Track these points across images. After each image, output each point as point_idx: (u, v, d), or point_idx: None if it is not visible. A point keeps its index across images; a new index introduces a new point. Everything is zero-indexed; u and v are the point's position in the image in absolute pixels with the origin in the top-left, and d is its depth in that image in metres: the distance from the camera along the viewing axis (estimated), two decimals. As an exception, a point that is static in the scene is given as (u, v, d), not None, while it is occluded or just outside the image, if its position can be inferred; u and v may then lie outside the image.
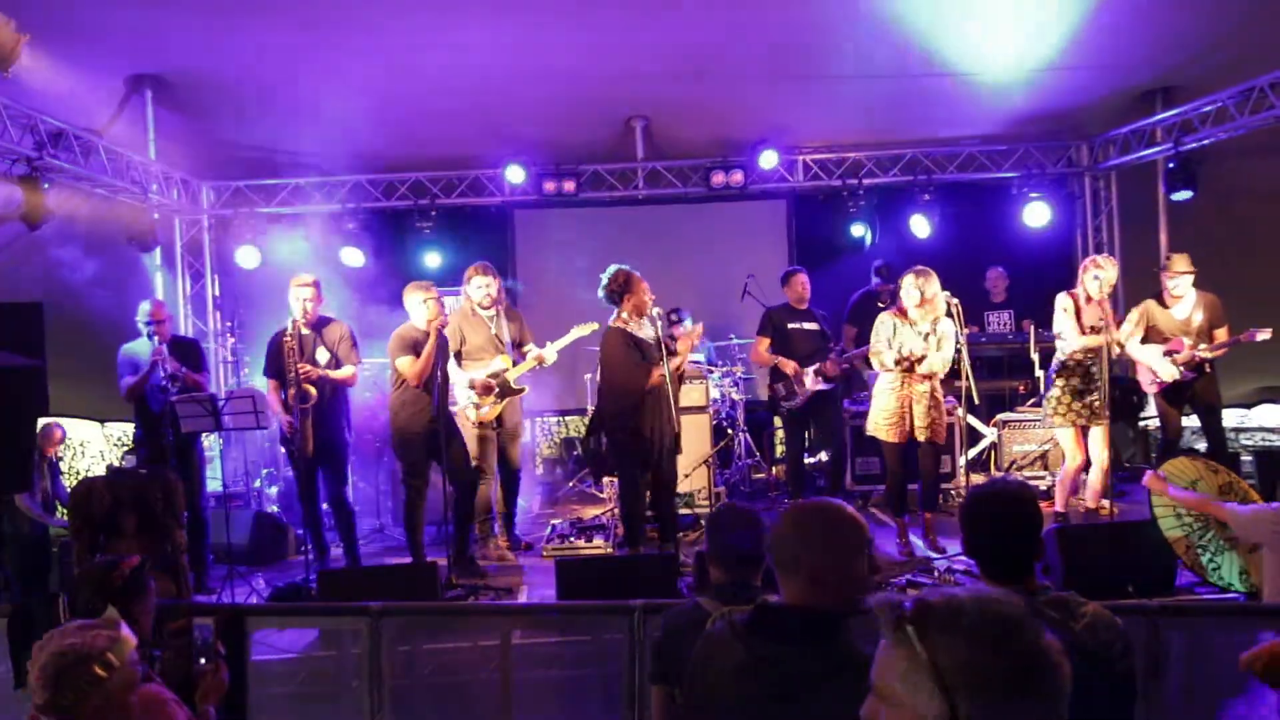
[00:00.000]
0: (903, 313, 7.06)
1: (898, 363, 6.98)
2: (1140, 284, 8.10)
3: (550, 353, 7.92)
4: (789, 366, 8.26)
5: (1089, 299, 7.10)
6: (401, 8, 7.34)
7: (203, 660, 3.35)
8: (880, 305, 8.77)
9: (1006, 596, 1.54)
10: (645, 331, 6.94)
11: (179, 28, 7.39)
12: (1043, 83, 9.04)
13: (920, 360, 6.94)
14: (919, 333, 6.99)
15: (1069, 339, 7.17)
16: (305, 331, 7.08)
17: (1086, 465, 7.33)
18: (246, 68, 8.13)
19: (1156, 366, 7.44)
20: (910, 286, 7.01)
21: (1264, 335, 7.19)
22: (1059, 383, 7.25)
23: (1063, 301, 7.24)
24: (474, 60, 8.26)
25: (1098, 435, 7.15)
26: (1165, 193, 9.66)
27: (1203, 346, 7.37)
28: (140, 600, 3.37)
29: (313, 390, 6.98)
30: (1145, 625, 4.17)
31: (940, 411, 7.12)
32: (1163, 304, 7.56)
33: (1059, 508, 7.39)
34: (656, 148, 10.45)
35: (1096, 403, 7.11)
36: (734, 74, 8.87)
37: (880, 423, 7.15)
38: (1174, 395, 7.60)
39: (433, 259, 10.67)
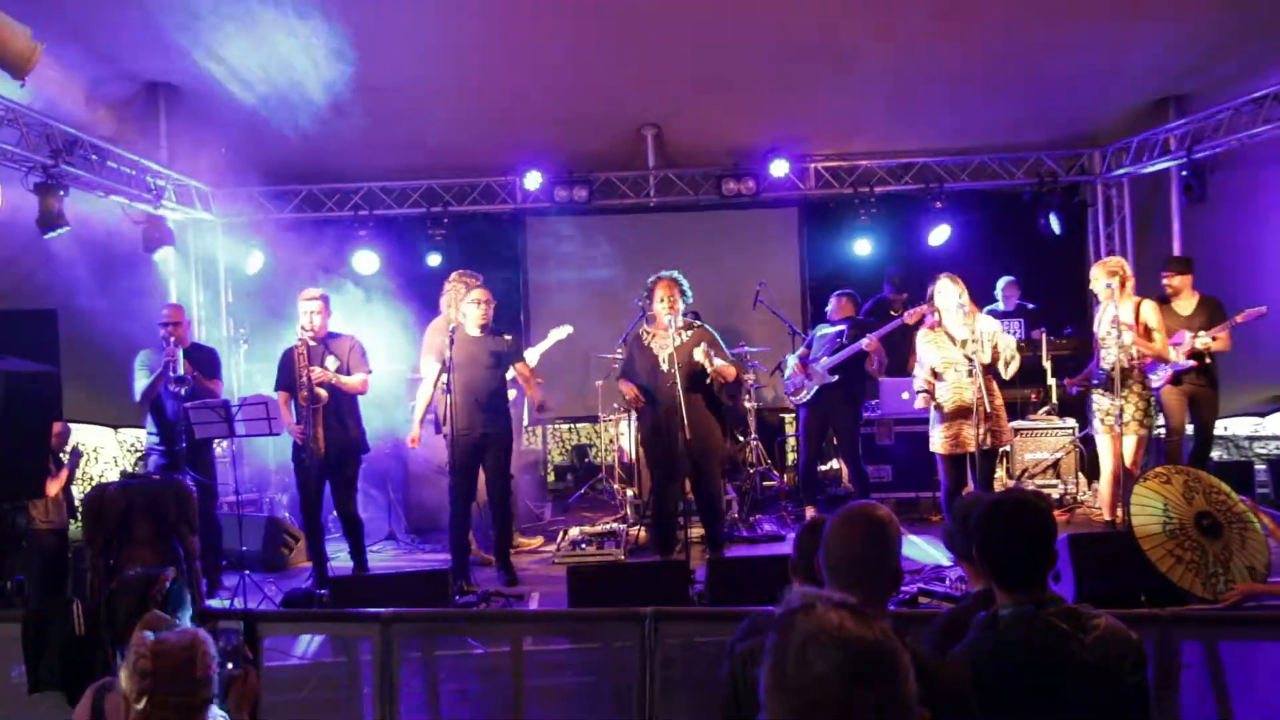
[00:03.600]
0: (933, 328, 7.03)
1: (936, 374, 6.95)
2: (1152, 291, 8.12)
3: (532, 356, 8.05)
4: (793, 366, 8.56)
5: (1098, 303, 7.22)
6: (414, 16, 7.37)
7: (230, 665, 3.35)
8: (892, 314, 8.77)
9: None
10: (658, 341, 6.98)
11: (193, 37, 7.43)
12: (1055, 91, 9.03)
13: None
14: (959, 340, 6.90)
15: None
16: (313, 344, 7.13)
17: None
18: (260, 77, 8.15)
19: (1162, 353, 7.55)
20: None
21: (1259, 312, 7.52)
22: (1096, 390, 7.39)
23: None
24: (486, 68, 8.29)
25: (1129, 444, 7.20)
26: (1178, 201, 9.65)
27: (1203, 334, 7.62)
28: (173, 613, 3.38)
29: (323, 393, 7.02)
30: (1158, 635, 4.14)
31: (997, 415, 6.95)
32: (1165, 302, 7.85)
33: (1108, 516, 7.45)
34: (668, 155, 10.46)
35: (1125, 411, 7.12)
36: (745, 82, 8.88)
37: (938, 438, 7.04)
38: (1178, 392, 7.85)
39: (445, 266, 10.67)
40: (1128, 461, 7.23)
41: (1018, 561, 2.70)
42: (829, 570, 2.51)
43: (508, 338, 7.27)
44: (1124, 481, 7.29)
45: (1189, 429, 8.11)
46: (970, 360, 6.71)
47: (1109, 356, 7.19)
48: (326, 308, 7.27)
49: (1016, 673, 2.55)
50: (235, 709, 3.30)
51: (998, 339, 6.79)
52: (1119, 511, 7.18)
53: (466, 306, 7.21)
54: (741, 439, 9.39)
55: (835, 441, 8.99)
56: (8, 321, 6.81)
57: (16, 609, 5.45)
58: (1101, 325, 7.33)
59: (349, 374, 7.19)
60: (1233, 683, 4.15)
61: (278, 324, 8.60)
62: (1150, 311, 7.31)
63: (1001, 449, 7.36)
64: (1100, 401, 7.33)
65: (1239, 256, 9.49)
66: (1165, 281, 8.03)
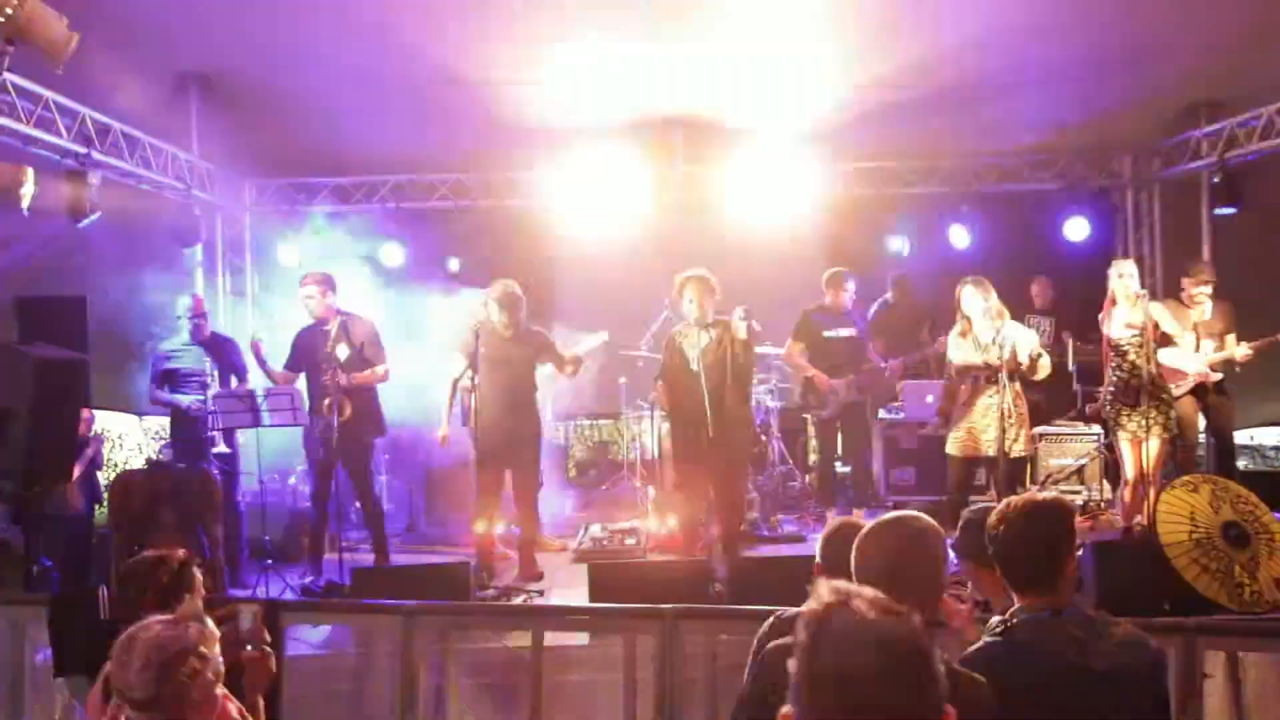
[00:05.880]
0: (963, 335, 6.95)
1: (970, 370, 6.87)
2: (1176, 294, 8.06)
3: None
4: (822, 381, 8.24)
5: (1114, 302, 7.08)
6: (444, 13, 7.39)
7: (249, 648, 3.36)
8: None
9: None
10: (690, 339, 6.96)
11: (226, 26, 7.47)
12: (1085, 94, 8.97)
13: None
14: (980, 344, 6.80)
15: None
16: (331, 330, 7.16)
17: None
18: (291, 68, 8.19)
19: (1186, 365, 7.41)
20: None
21: None
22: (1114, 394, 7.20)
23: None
24: (517, 66, 8.31)
25: (1154, 449, 7.06)
26: (1209, 207, 9.55)
27: (1245, 345, 7.40)
28: (188, 596, 3.38)
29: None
30: (1182, 644, 4.12)
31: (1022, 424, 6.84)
32: (1181, 304, 7.60)
33: (1123, 522, 7.35)
34: (695, 153, 10.41)
35: (1148, 416, 7.00)
36: (772, 82, 8.85)
37: (951, 439, 6.99)
38: (1192, 402, 7.65)
39: (471, 260, 10.69)
40: (1150, 467, 7.11)
41: (1033, 565, 2.67)
42: (858, 579, 2.48)
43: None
44: (1144, 488, 7.24)
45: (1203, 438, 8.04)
46: (990, 365, 6.67)
47: (1135, 364, 7.01)
48: (325, 289, 7.27)
49: (1030, 679, 2.52)
50: (250, 691, 3.31)
51: (1017, 343, 6.69)
52: (1137, 518, 7.12)
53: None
54: (764, 438, 9.37)
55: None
56: (39, 308, 6.89)
57: (44, 593, 5.52)
58: (1116, 329, 7.13)
59: (364, 363, 7.21)
60: (1259, 694, 4.13)
61: (302, 314, 8.62)
62: (1169, 318, 7.22)
63: (1026, 457, 7.25)
64: (1124, 410, 7.13)
65: (1268, 264, 9.40)
66: (1207, 291, 7.61)
